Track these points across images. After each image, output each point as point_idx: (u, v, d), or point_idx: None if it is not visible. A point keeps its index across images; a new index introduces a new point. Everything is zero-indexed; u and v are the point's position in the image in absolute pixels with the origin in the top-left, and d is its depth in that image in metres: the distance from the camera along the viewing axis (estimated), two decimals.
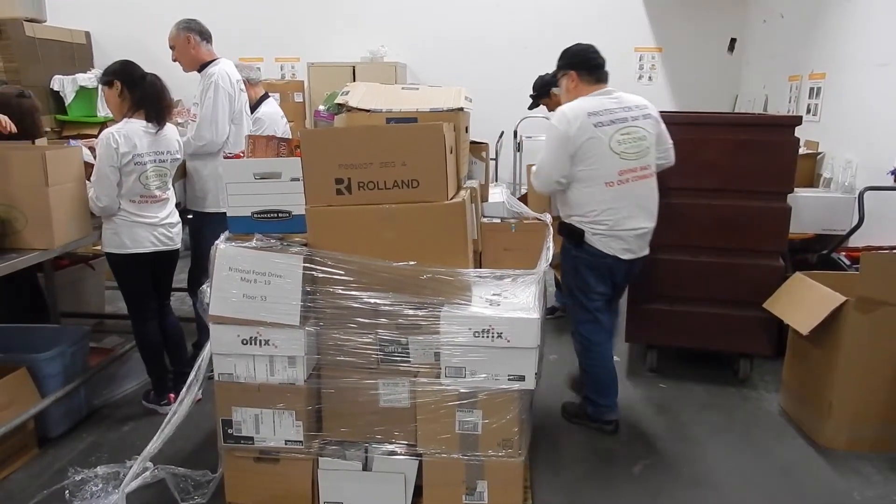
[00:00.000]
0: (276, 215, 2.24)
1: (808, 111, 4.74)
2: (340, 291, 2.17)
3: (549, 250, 2.43)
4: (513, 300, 2.20)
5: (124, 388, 3.46)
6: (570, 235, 2.85)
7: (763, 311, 3.23)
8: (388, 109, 2.30)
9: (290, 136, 3.92)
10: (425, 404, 2.23)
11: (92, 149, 3.25)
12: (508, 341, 2.13)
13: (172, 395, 3.14)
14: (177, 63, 3.56)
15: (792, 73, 5.14)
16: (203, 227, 3.46)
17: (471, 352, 2.16)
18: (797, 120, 3.35)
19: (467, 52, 6.65)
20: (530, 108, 4.38)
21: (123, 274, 3.06)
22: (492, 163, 5.53)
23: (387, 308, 2.17)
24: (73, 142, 3.33)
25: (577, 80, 2.90)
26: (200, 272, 3.36)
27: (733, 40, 6.52)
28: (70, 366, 3.05)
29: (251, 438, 2.31)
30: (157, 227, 3.03)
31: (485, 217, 2.69)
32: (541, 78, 4.21)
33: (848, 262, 3.48)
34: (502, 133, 6.35)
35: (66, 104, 6.00)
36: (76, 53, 6.43)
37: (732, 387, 3.56)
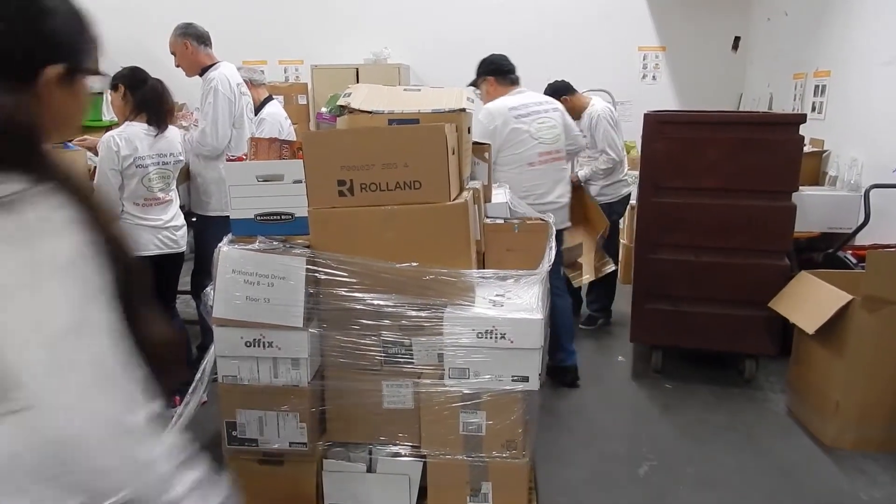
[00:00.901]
0: (278, 217, 2.24)
1: (813, 109, 4.72)
2: (344, 293, 2.17)
3: (552, 250, 2.42)
4: (516, 301, 2.19)
5: None
6: None
7: (768, 310, 3.22)
8: (390, 111, 2.30)
9: (294, 138, 3.93)
10: (429, 406, 2.23)
11: (92, 149, 3.26)
12: (512, 342, 2.12)
13: (177, 398, 3.14)
14: (179, 68, 3.57)
15: (797, 71, 5.12)
16: (206, 231, 3.47)
17: (474, 353, 2.15)
18: (802, 118, 3.34)
19: (470, 53, 6.57)
20: None
21: None
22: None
23: (390, 309, 2.17)
24: (69, 144, 3.34)
25: (495, 83, 3.63)
26: (204, 275, 3.36)
27: (737, 39, 6.50)
28: None
29: (255, 441, 2.31)
30: (162, 230, 3.04)
31: (487, 218, 2.68)
32: (551, 85, 4.19)
33: (854, 261, 3.46)
34: None
35: None
36: None
37: (738, 387, 3.54)
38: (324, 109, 2.69)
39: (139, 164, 2.91)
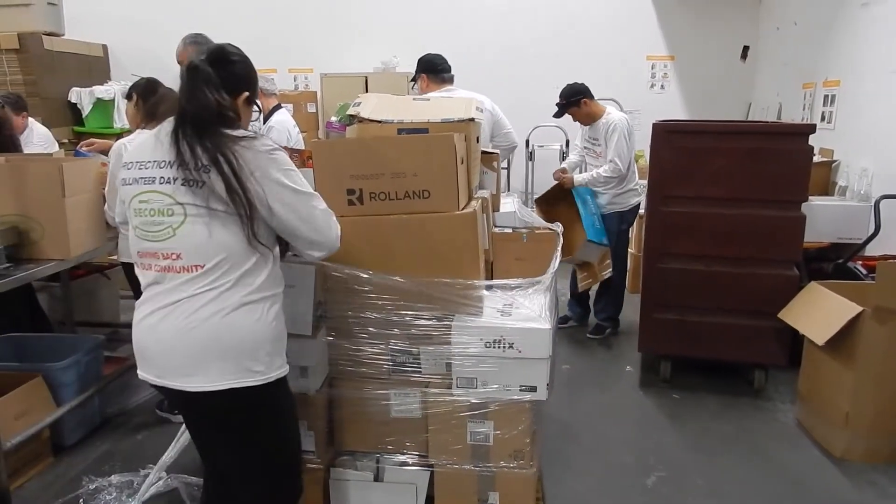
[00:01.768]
0: None
1: (823, 119, 4.70)
2: (352, 302, 2.18)
3: (557, 259, 2.42)
4: (524, 310, 2.20)
5: (138, 397, 3.48)
6: None
7: (778, 321, 3.20)
8: (400, 120, 2.31)
9: (303, 146, 3.96)
10: (437, 415, 2.23)
11: (103, 152, 3.29)
12: (520, 351, 2.13)
13: None
14: None
15: (806, 81, 5.11)
16: None
17: (482, 362, 2.16)
18: (811, 128, 3.33)
19: (478, 61, 6.67)
20: (557, 115, 4.29)
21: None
22: (503, 172, 5.55)
23: (398, 318, 2.18)
24: (82, 150, 3.37)
25: (428, 80, 3.91)
26: None
27: (746, 48, 6.50)
28: (85, 375, 3.07)
29: None
30: None
31: (496, 227, 2.69)
32: (570, 86, 4.16)
33: (864, 272, 3.44)
34: None
35: (84, 116, 6.08)
36: (93, 66, 6.51)
37: (747, 397, 3.52)
38: (333, 118, 2.71)
39: None
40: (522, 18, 6.64)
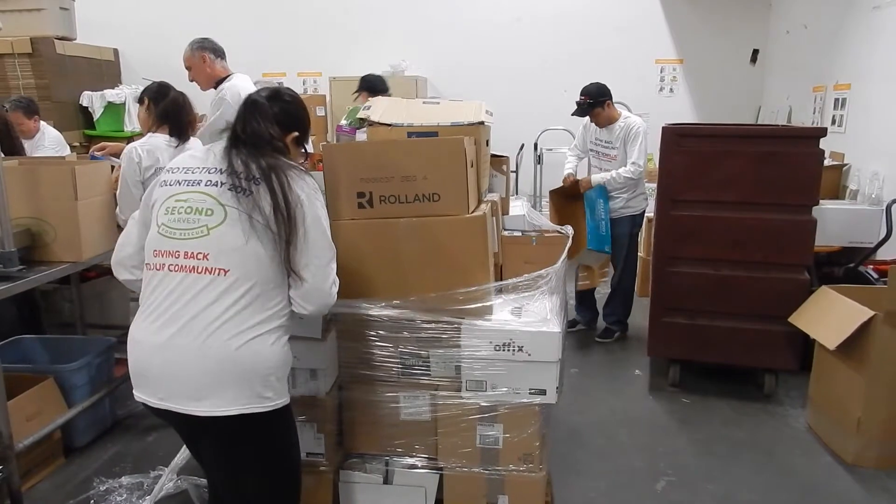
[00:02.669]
0: None
1: (834, 122, 4.68)
2: (362, 305, 2.19)
3: (564, 262, 2.42)
4: (534, 313, 2.20)
5: None
6: None
7: (788, 325, 3.18)
8: (410, 123, 2.32)
9: (312, 150, 3.97)
10: (446, 418, 2.23)
11: (115, 155, 3.31)
12: (529, 355, 2.12)
13: None
14: (193, 82, 3.62)
15: (816, 84, 5.09)
16: None
17: (491, 365, 2.15)
18: (822, 132, 3.31)
19: (487, 65, 6.69)
20: (581, 114, 4.21)
21: None
22: (512, 176, 5.54)
23: (408, 321, 2.18)
24: (96, 154, 3.39)
25: (368, 97, 4.07)
26: None
27: (756, 51, 6.48)
28: (96, 376, 3.09)
29: None
30: None
31: (505, 230, 2.69)
32: (596, 86, 4.11)
33: (876, 276, 3.42)
34: (522, 146, 6.36)
35: (95, 119, 6.13)
36: (104, 70, 6.57)
37: (757, 402, 3.50)
38: (343, 122, 2.72)
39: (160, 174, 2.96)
40: (531, 22, 6.64)
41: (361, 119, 2.40)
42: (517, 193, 5.83)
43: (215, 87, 3.55)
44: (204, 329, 1.58)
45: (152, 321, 1.63)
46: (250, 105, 1.78)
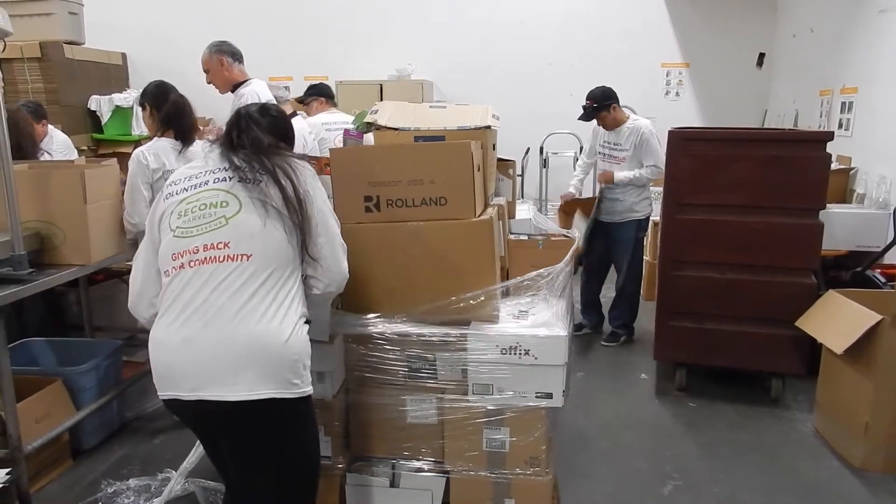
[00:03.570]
0: None
1: (840, 126, 4.67)
2: (372, 322, 2.20)
3: (570, 266, 2.42)
4: (540, 317, 2.20)
5: (155, 401, 3.50)
6: None
7: (795, 329, 3.18)
8: (417, 128, 2.33)
9: (318, 153, 3.99)
10: (452, 421, 2.24)
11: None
12: (536, 358, 2.13)
13: None
14: (211, 84, 3.64)
15: (823, 88, 5.08)
16: None
17: (498, 369, 2.16)
18: (829, 135, 3.31)
19: (493, 69, 6.70)
20: (586, 118, 4.23)
21: None
22: (518, 179, 5.55)
23: (414, 325, 2.19)
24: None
25: (320, 102, 4.67)
26: None
27: (762, 55, 6.47)
28: (104, 379, 3.11)
29: None
30: None
31: (512, 234, 2.70)
32: (602, 90, 4.13)
33: (883, 280, 3.41)
34: (528, 149, 6.37)
35: (103, 123, 6.16)
36: (112, 74, 6.60)
37: (764, 406, 3.49)
38: (351, 126, 2.73)
39: (168, 177, 2.97)
40: (537, 25, 6.65)
41: (369, 123, 2.41)
42: (523, 197, 5.83)
43: (233, 91, 3.56)
44: (232, 318, 1.62)
45: (175, 318, 1.66)
46: (244, 117, 1.86)
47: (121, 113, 6.19)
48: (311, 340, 1.87)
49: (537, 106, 6.48)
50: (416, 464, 2.31)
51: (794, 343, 3.33)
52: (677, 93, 6.68)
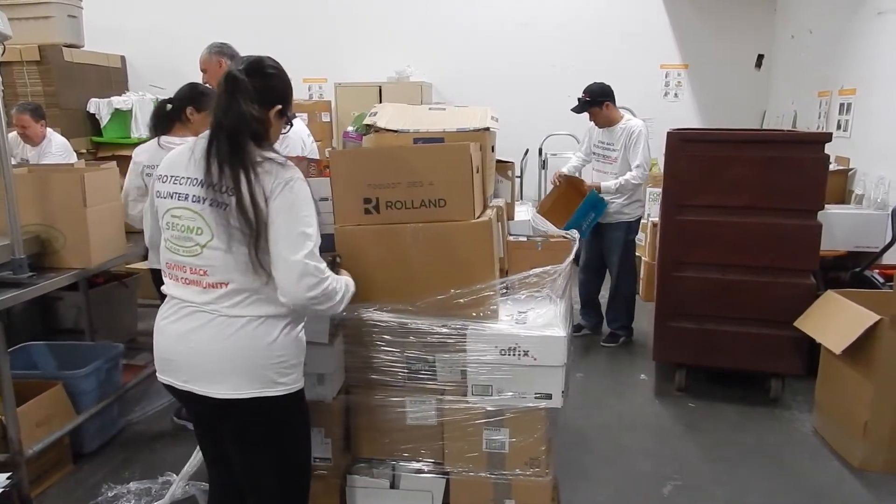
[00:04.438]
0: None
1: (839, 127, 4.68)
2: (368, 310, 2.20)
3: (569, 267, 2.42)
4: (539, 318, 2.20)
5: (156, 405, 3.51)
6: None
7: (794, 330, 3.18)
8: (416, 130, 2.33)
9: (317, 155, 3.99)
10: (452, 422, 2.24)
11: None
12: (535, 359, 2.13)
13: None
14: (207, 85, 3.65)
15: (821, 89, 5.09)
16: None
17: (497, 370, 2.16)
18: (827, 137, 3.32)
19: (491, 70, 6.71)
20: (578, 111, 4.25)
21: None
22: (517, 181, 5.55)
23: (414, 326, 2.19)
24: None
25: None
26: None
27: (761, 56, 6.48)
28: (104, 382, 3.11)
29: None
30: None
31: (511, 235, 2.70)
32: (599, 85, 4.14)
33: (881, 280, 3.42)
34: (527, 151, 6.38)
35: (102, 126, 6.16)
36: (112, 77, 6.61)
37: (764, 407, 3.50)
38: (350, 128, 2.73)
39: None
40: (535, 27, 6.67)
41: (368, 125, 2.41)
42: (522, 199, 5.84)
43: None
44: (219, 325, 1.69)
45: (174, 314, 1.76)
46: (230, 83, 1.70)
47: (120, 116, 6.20)
48: (310, 342, 1.87)
49: (536, 107, 6.49)
50: (416, 465, 2.31)
51: (793, 343, 3.33)
52: (676, 94, 6.69)
